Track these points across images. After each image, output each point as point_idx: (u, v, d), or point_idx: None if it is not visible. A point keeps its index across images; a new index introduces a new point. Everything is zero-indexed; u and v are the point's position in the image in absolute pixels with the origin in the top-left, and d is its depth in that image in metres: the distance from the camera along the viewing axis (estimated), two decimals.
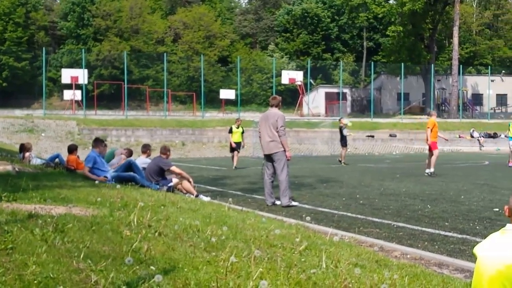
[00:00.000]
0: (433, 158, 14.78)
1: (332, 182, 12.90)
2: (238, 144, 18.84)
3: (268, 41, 69.01)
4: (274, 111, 9.06)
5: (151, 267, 3.40)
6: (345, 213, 7.89)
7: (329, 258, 4.10)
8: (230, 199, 7.86)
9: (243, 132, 19.15)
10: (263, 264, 3.67)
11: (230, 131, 18.96)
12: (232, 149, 18.80)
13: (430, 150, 15.07)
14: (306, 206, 8.72)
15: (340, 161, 20.93)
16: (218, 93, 49.64)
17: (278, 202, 8.78)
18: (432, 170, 14.63)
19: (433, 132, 15.16)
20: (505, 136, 19.66)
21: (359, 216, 7.62)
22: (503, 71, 57.92)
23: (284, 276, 3.42)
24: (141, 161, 10.49)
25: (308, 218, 6.17)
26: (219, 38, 63.75)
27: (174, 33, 63.46)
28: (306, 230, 5.87)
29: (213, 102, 52.97)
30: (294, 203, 8.69)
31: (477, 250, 2.75)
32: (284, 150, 8.81)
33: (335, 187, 11.83)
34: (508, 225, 2.70)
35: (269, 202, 8.84)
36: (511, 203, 2.68)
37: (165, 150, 10.20)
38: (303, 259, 4.07)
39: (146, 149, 11.01)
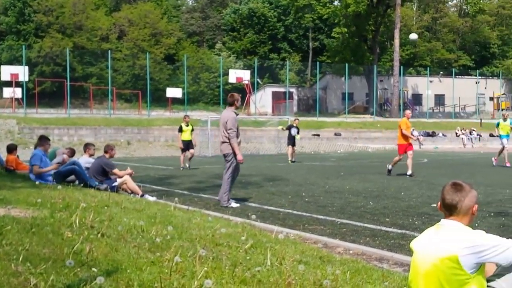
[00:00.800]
0: (410, 161, 14.08)
1: (278, 181, 13.01)
2: (189, 143, 17.90)
3: (215, 39, 68.84)
4: (227, 111, 8.81)
5: (93, 269, 3.32)
6: (290, 211, 7.97)
7: (274, 255, 4.14)
8: (176, 199, 7.79)
9: (192, 130, 18.27)
10: (208, 263, 3.67)
11: (180, 130, 18.01)
12: (183, 149, 17.80)
13: (403, 151, 14.36)
14: (253, 204, 8.76)
15: (292, 161, 21.42)
16: (164, 91, 49.07)
17: (234, 205, 8.56)
18: (410, 172, 13.88)
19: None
20: (496, 135, 19.33)
21: (304, 213, 7.72)
22: (441, 72, 60.15)
23: (229, 274, 3.43)
24: (84, 160, 10.24)
25: (253, 216, 6.20)
26: (166, 36, 63.01)
27: (119, 30, 62.21)
28: (252, 228, 5.90)
29: (160, 100, 52.31)
30: (233, 205, 8.53)
31: (413, 244, 2.85)
32: (235, 154, 8.60)
33: (281, 185, 11.93)
34: (442, 220, 2.82)
35: (223, 202, 8.65)
36: (441, 199, 2.80)
37: (108, 149, 10.00)
38: (248, 257, 4.09)
39: (87, 148, 10.73)
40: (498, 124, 18.57)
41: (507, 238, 2.78)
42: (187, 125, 18.09)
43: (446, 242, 2.67)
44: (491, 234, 2.71)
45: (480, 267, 2.64)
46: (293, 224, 6.80)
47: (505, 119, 18.29)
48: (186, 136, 17.96)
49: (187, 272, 3.41)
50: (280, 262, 3.95)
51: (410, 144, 14.68)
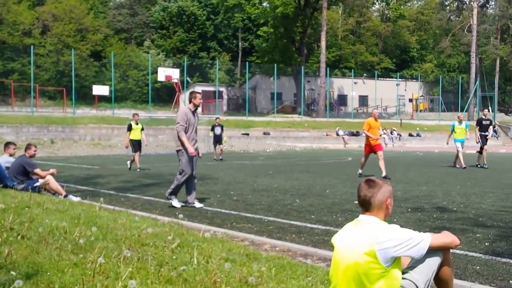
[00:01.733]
0: (381, 162, 13.31)
1: (207, 179, 12.97)
2: (139, 142, 16.85)
3: (143, 37, 67.57)
4: (183, 107, 8.48)
5: (12, 272, 3.18)
6: (219, 210, 7.98)
7: (201, 254, 4.13)
8: (102, 199, 7.59)
9: (142, 129, 17.13)
10: (133, 264, 3.60)
11: (129, 129, 16.76)
12: (135, 149, 16.60)
13: (368, 152, 13.70)
14: (181, 203, 8.68)
15: (220, 159, 21.79)
16: (90, 88, 47.63)
17: (198, 205, 8.27)
18: (384, 173, 13.05)
19: (372, 133, 13.62)
20: (447, 141, 18.41)
21: (232, 212, 7.75)
22: (364, 74, 62.30)
23: (155, 274, 3.39)
24: (4, 160, 9.74)
25: (181, 215, 6.16)
26: (92, 32, 61.15)
27: (42, 25, 59.65)
28: (180, 228, 5.86)
29: (86, 98, 50.71)
30: (175, 203, 8.31)
31: (334, 240, 2.95)
32: (185, 149, 8.22)
33: (210, 184, 11.91)
34: (361, 215, 2.93)
35: (174, 202, 8.40)
36: (358, 195, 2.91)
37: (28, 148, 9.58)
38: (174, 257, 4.06)
39: (7, 147, 10.22)
40: (453, 127, 17.53)
41: (422, 232, 2.93)
42: (137, 124, 16.93)
43: (363, 237, 2.77)
44: (405, 229, 2.85)
45: (395, 260, 2.76)
46: (221, 222, 6.81)
47: (460, 122, 17.37)
48: (136, 135, 16.82)
49: (111, 273, 3.33)
50: (207, 260, 3.95)
51: (378, 145, 13.64)
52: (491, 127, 17.81)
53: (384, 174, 12.96)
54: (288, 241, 5.57)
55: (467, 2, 61.24)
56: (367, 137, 13.76)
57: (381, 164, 13.24)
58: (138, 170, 15.98)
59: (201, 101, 8.65)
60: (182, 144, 8.23)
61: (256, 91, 59.13)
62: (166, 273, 3.40)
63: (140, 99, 56.61)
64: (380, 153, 13.43)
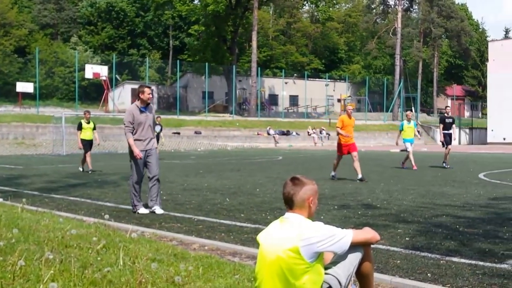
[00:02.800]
0: (356, 163, 12.36)
1: None
2: (90, 142, 15.78)
3: (70, 33, 65.29)
4: (129, 106, 7.84)
5: None
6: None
7: (127, 255, 4.07)
8: (24, 200, 7.28)
9: (94, 128, 16.01)
10: (55, 266, 3.49)
11: (80, 128, 15.62)
12: (85, 149, 15.43)
13: (341, 152, 12.69)
14: (108, 204, 8.49)
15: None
16: (14, 85, 45.50)
17: (158, 211, 7.53)
18: (360, 176, 12.16)
19: (345, 131, 12.58)
20: (396, 142, 17.48)
21: (162, 211, 7.65)
22: (295, 74, 63.40)
23: (78, 276, 3.30)
24: None
25: (107, 216, 6.01)
26: (16, 27, 58.36)
27: None
28: (106, 228, 5.73)
29: (9, 95, 48.39)
30: (142, 211, 7.60)
31: (259, 237, 3.00)
32: (131, 151, 7.64)
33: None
34: (286, 213, 2.99)
35: (140, 210, 7.63)
36: (282, 193, 2.98)
37: None
38: (99, 258, 3.97)
39: None
40: (402, 126, 16.69)
41: (348, 229, 3.03)
42: (88, 122, 15.78)
43: (288, 233, 2.84)
44: (328, 225, 2.94)
45: (319, 256, 2.84)
46: (150, 222, 6.72)
47: (409, 120, 16.61)
48: (87, 135, 15.66)
49: (32, 276, 3.22)
50: (133, 261, 3.89)
51: (351, 145, 12.60)
52: (454, 125, 17.13)
53: (360, 176, 12.05)
54: (217, 240, 5.58)
55: (392, 6, 63.72)
56: (340, 135, 12.71)
57: (356, 165, 12.26)
58: (90, 172, 14.93)
59: (150, 96, 7.84)
60: (129, 147, 7.70)
61: (188, 90, 58.71)
62: (90, 275, 3.32)
63: (66, 97, 54.69)
64: (354, 153, 12.43)
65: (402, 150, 18.68)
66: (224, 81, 55.86)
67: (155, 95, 56.25)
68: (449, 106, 18.00)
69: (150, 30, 67.01)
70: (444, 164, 16.89)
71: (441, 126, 17.10)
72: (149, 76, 52.14)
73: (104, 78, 44.35)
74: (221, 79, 56.89)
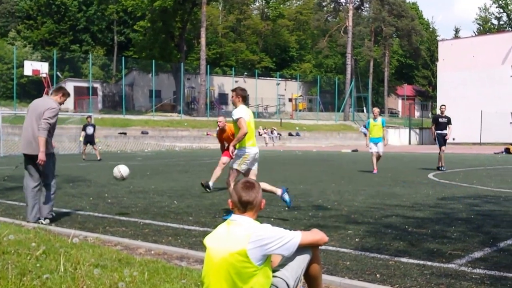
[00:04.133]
0: (218, 169, 10.61)
1: (79, 182, 12.49)
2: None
3: (8, 27, 63.04)
4: (47, 99, 7.08)
5: None
6: (91, 213, 7.73)
7: (68, 261, 4.00)
8: None
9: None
10: None
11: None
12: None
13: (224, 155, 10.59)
14: None
15: (99, 160, 21.69)
16: None
17: (44, 221, 6.88)
18: (211, 183, 10.57)
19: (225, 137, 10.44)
20: (366, 144, 15.76)
21: (106, 215, 7.55)
22: (245, 73, 63.56)
23: (16, 284, 3.23)
24: None
25: (46, 221, 5.87)
26: None
27: None
28: (46, 233, 5.60)
29: None
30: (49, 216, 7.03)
31: (206, 240, 3.02)
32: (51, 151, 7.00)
33: (82, 186, 11.48)
34: (233, 215, 3.03)
35: (32, 218, 6.87)
36: (235, 196, 3.01)
37: None
38: (38, 265, 3.88)
39: None
40: (368, 124, 15.57)
41: (299, 230, 3.10)
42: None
43: (235, 236, 2.87)
44: (276, 227, 2.99)
45: (266, 259, 2.89)
46: (93, 227, 6.60)
47: (375, 118, 15.31)
48: None
49: None
50: (75, 267, 3.83)
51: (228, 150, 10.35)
52: (449, 125, 16.38)
53: (211, 183, 10.45)
54: (164, 244, 5.55)
55: (343, 4, 64.98)
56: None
57: (217, 171, 10.53)
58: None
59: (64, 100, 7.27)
60: (46, 147, 6.90)
61: (134, 88, 57.86)
62: (29, 282, 3.25)
63: (4, 95, 52.75)
64: (224, 159, 10.58)
65: (353, 151, 18.87)
66: (172, 79, 55.39)
67: (100, 93, 55.16)
68: (444, 105, 16.67)
69: (93, 25, 65.58)
70: (442, 168, 16.12)
71: (433, 125, 16.58)
72: (92, 74, 51.03)
73: (44, 75, 43.03)
74: (169, 77, 56.38)
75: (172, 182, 12.39)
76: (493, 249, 5.25)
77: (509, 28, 74.85)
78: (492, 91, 46.81)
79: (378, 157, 15.25)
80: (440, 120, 16.38)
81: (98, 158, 21.97)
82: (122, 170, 7.47)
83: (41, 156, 6.79)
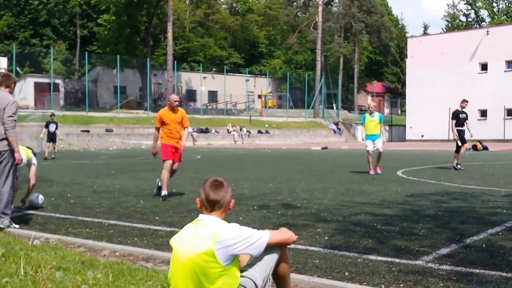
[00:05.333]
0: (165, 172, 9.47)
1: (40, 182, 12.25)
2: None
3: None
4: (2, 93, 6.62)
5: None
6: (53, 214, 7.62)
7: (29, 264, 3.94)
8: None
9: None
10: None
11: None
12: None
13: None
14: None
15: (53, 158, 21.75)
16: None
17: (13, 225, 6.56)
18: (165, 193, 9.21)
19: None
20: (362, 138, 14.84)
21: (69, 216, 7.45)
22: (214, 69, 63.39)
23: None
24: None
25: (5, 222, 5.77)
26: None
27: None
28: (5, 236, 5.51)
29: None
30: (14, 225, 6.58)
31: (172, 241, 3.02)
32: (12, 151, 6.54)
33: (43, 186, 11.29)
34: (201, 215, 3.04)
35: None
36: (203, 195, 3.02)
37: None
38: None
39: None
40: (364, 120, 14.52)
41: (265, 230, 3.12)
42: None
43: (202, 236, 2.88)
44: (244, 227, 3.01)
45: (234, 258, 2.91)
46: (55, 228, 6.51)
47: (372, 113, 14.29)
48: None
49: None
50: (36, 270, 3.78)
51: (176, 148, 9.61)
52: (467, 121, 15.84)
53: (164, 193, 9.15)
54: (130, 245, 5.52)
55: None
56: (169, 134, 9.59)
57: (165, 175, 9.41)
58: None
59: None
60: (12, 146, 6.55)
61: (97, 84, 57.06)
62: None
63: None
64: (168, 163, 9.53)
65: (323, 148, 18.96)
66: (138, 75, 54.85)
67: (62, 89, 54.24)
68: (467, 100, 15.95)
69: (54, 18, 64.40)
70: (458, 166, 15.50)
71: (454, 122, 15.74)
72: (54, 69, 50.12)
73: (3, 70, 42.10)
74: (135, 72, 55.81)
75: (138, 181, 12.30)
76: (459, 245, 5.38)
77: (477, 25, 76.56)
78: (460, 88, 47.79)
79: (379, 155, 14.13)
80: (461, 115, 15.69)
81: (52, 156, 21.86)
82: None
83: (18, 156, 6.56)
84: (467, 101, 15.97)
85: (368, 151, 14.06)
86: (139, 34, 54.67)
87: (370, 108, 14.46)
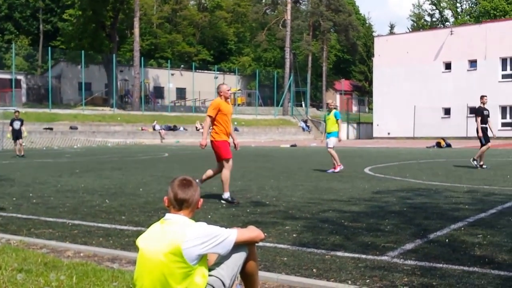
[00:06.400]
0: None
1: (1, 181, 12.03)
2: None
3: None
4: None
5: None
6: (14, 215, 7.46)
7: None
8: None
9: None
10: None
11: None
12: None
13: None
14: None
15: (21, 156, 21.35)
16: None
17: None
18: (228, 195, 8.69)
19: None
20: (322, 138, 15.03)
21: (31, 216, 7.31)
22: (182, 66, 63.01)
23: None
24: None
25: None
26: None
27: None
28: None
29: None
30: None
31: (139, 241, 2.99)
32: None
33: (4, 186, 11.06)
34: (167, 214, 3.01)
35: None
36: (171, 194, 3.00)
37: None
38: None
39: None
40: (325, 118, 14.54)
41: (235, 228, 3.12)
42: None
43: (169, 236, 2.85)
44: (212, 225, 3.00)
45: (202, 258, 2.89)
46: (17, 229, 6.38)
47: (329, 111, 14.21)
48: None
49: None
50: None
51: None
52: (489, 118, 15.09)
53: (226, 195, 8.63)
54: (95, 246, 5.44)
55: None
56: (221, 129, 8.79)
57: (225, 176, 8.82)
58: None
59: None
60: None
61: (61, 80, 56.12)
62: None
63: None
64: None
65: (292, 146, 19.02)
66: (104, 71, 54.12)
67: (24, 85, 53.14)
68: (486, 96, 15.06)
69: (16, 12, 62.99)
70: (482, 164, 14.80)
71: (479, 118, 14.86)
72: (16, 65, 49.06)
73: None
74: (100, 68, 55.05)
75: (104, 180, 12.15)
76: (423, 240, 5.49)
77: (441, 25, 78.01)
78: (425, 87, 48.67)
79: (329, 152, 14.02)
80: (485, 112, 14.87)
81: (22, 153, 21.52)
82: None
83: None
84: (486, 96, 15.16)
85: (329, 148, 14.03)
86: (104, 30, 53.91)
87: (328, 106, 14.46)
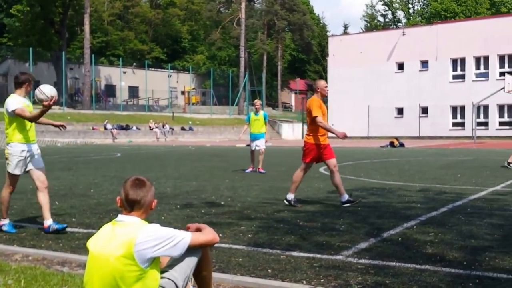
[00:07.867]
0: (336, 177, 8.24)
1: None
2: None
3: None
4: None
5: None
6: None
7: None
8: None
9: None
10: None
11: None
12: None
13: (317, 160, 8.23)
14: None
15: None
16: None
17: None
18: (346, 197, 8.16)
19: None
20: (241, 137, 16.47)
21: None
22: (134, 64, 62.19)
23: None
24: None
25: None
26: None
27: None
28: None
29: None
30: None
31: (89, 243, 2.93)
32: None
33: None
34: (119, 216, 2.96)
35: None
36: (122, 194, 2.95)
37: None
38: None
39: None
40: (248, 118, 14.59)
41: (183, 230, 3.09)
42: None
43: (121, 238, 2.81)
44: (165, 227, 2.96)
45: (154, 260, 2.85)
46: None
47: (257, 111, 14.35)
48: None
49: None
50: None
51: (327, 147, 8.20)
52: None
53: (345, 198, 8.02)
54: (44, 249, 5.32)
55: None
56: (316, 130, 7.97)
57: (336, 180, 8.16)
58: None
59: None
60: None
61: (8, 78, 54.45)
62: None
63: None
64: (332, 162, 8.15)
65: (247, 145, 19.01)
66: (53, 68, 52.88)
67: None
68: None
69: None
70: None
71: None
72: None
73: None
74: (49, 66, 53.77)
75: (53, 181, 11.82)
76: (377, 239, 5.61)
77: (394, 26, 79.75)
78: (378, 87, 49.69)
79: (261, 156, 14.02)
80: None
81: None
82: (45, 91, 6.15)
83: None
84: None
85: (253, 150, 14.19)
86: (53, 26, 52.64)
87: (255, 107, 14.45)
